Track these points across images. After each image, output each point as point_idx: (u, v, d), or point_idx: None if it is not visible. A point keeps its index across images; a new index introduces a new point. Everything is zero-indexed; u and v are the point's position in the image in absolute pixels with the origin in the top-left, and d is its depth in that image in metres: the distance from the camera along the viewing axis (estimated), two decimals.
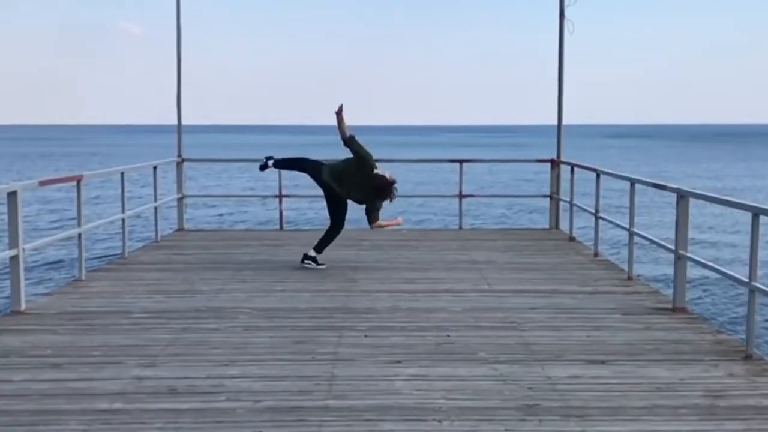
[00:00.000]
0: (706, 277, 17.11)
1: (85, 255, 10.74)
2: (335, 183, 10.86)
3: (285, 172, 15.24)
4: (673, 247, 9.13)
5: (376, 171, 10.84)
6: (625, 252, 11.04)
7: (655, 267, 16.94)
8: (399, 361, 6.98)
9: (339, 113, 10.85)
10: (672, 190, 9.35)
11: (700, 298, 16.28)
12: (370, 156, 10.92)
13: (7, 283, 9.41)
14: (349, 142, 10.86)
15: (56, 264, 19.75)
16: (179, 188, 15.12)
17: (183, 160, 15.05)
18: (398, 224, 11.97)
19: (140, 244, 13.78)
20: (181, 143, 14.96)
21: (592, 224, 12.54)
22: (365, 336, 7.81)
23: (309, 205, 31.23)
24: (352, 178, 10.80)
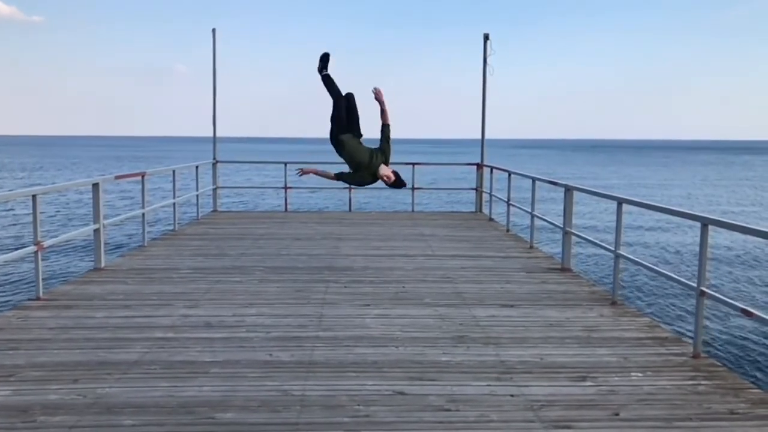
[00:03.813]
0: (584, 247, 17.27)
1: (147, 228, 10.65)
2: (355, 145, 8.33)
3: (289, 171, 15.20)
4: (561, 226, 9.17)
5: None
6: (528, 228, 11.06)
7: (549, 240, 17.03)
8: (368, 305, 6.96)
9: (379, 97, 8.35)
10: (561, 185, 9.38)
11: (580, 260, 16.41)
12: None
13: (92, 248, 9.29)
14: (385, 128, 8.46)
15: (127, 235, 19.56)
16: (214, 181, 15.08)
17: (217, 162, 15.00)
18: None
19: (186, 221, 13.64)
20: (215, 150, 14.90)
21: (505, 209, 12.56)
22: (345, 286, 7.78)
23: (308, 194, 31.14)
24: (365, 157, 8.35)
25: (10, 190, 28.51)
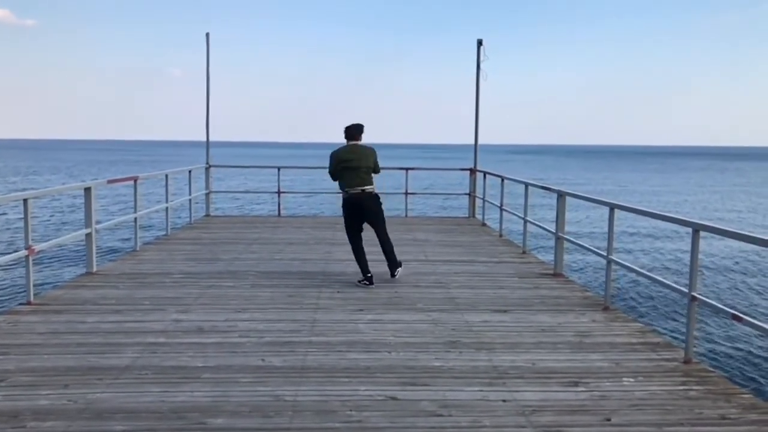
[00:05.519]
0: (577, 252, 17.30)
1: (139, 233, 10.62)
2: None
3: (283, 176, 15.20)
4: (554, 231, 9.19)
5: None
6: (520, 234, 11.07)
7: (541, 245, 17.05)
8: (361, 310, 6.95)
9: None
10: (554, 191, 9.40)
11: (573, 266, 16.43)
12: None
13: (84, 253, 9.25)
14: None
15: (120, 240, 19.50)
16: (207, 186, 15.04)
17: (210, 166, 14.95)
18: None
19: (179, 226, 13.61)
20: (208, 154, 14.84)
21: (498, 214, 12.58)
22: (338, 292, 7.78)
23: (301, 199, 31.13)
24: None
25: (1, 195, 28.39)
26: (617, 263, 7.26)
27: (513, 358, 5.50)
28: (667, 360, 5.55)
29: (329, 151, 8.41)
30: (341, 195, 8.48)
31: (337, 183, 8.50)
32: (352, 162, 8.24)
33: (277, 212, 15.77)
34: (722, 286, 15.50)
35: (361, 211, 8.40)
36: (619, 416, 4.38)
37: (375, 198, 8.46)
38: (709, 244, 19.81)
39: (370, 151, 8.40)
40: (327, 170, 8.51)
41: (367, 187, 8.34)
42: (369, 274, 8.17)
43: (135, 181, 10.53)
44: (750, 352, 10.55)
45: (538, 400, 4.62)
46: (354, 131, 8.34)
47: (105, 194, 32.70)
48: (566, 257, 9.60)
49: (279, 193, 15.27)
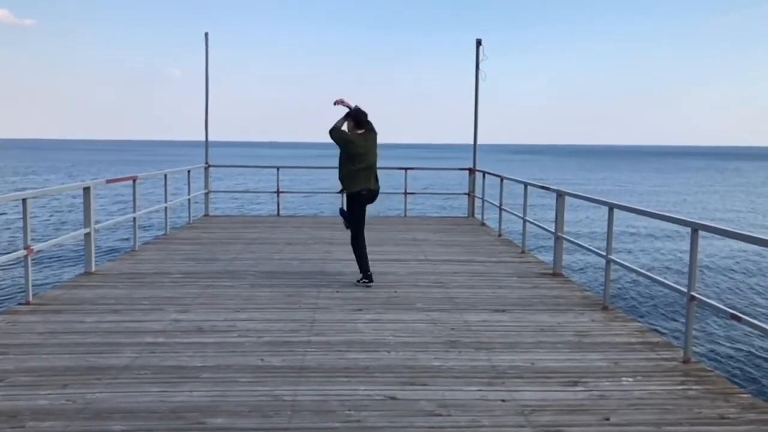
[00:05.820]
0: (576, 252, 17.30)
1: (138, 233, 10.63)
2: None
3: (282, 176, 15.21)
4: (553, 230, 9.19)
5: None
6: (520, 233, 11.07)
7: (540, 244, 17.05)
8: (360, 309, 6.96)
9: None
10: (553, 191, 9.40)
11: (572, 266, 16.43)
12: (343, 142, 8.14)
13: (83, 253, 9.24)
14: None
15: (119, 239, 19.50)
16: (206, 185, 15.02)
17: (209, 166, 14.95)
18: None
19: (178, 226, 13.61)
20: (207, 154, 14.84)
21: (497, 214, 12.57)
22: (337, 291, 7.78)
23: (302, 198, 31.11)
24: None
25: (1, 194, 28.34)
26: (616, 263, 7.27)
27: (512, 358, 5.51)
28: (666, 360, 5.55)
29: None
30: (349, 191, 8.24)
31: (338, 176, 8.28)
32: (363, 158, 8.11)
33: (276, 212, 15.76)
34: (722, 286, 15.50)
35: (366, 205, 8.41)
36: (618, 416, 4.39)
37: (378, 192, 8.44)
38: (708, 243, 19.81)
39: (375, 139, 8.33)
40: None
41: (376, 185, 8.35)
42: (369, 273, 8.17)
43: (134, 180, 10.54)
44: (749, 352, 10.56)
45: (537, 400, 4.62)
46: (365, 119, 8.25)
47: (104, 194, 32.68)
48: (565, 257, 9.62)
49: (278, 192, 15.27)
